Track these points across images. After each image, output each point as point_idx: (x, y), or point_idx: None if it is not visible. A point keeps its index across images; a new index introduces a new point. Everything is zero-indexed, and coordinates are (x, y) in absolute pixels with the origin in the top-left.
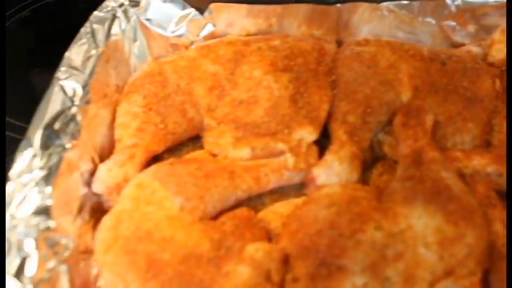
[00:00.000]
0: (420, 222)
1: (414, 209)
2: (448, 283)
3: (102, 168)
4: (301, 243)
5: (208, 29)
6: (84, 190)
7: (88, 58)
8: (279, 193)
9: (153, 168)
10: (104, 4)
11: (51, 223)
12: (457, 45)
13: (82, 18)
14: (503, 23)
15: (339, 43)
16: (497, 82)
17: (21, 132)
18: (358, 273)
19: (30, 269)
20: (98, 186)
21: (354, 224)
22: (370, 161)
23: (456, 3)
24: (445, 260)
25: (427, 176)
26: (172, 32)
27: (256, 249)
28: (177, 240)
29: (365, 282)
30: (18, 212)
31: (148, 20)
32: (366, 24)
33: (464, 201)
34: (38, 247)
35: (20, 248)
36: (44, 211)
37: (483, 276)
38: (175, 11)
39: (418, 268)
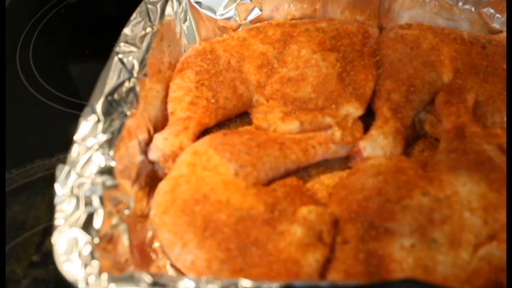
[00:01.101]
0: (465, 189)
1: (459, 176)
2: (491, 247)
3: (159, 137)
4: (350, 208)
5: (256, 13)
6: (141, 158)
7: (144, 35)
8: (325, 166)
9: (208, 137)
10: None
11: (115, 182)
12: (495, 32)
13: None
14: None
15: (381, 29)
16: None
17: (78, 108)
18: (406, 235)
19: (97, 223)
20: (154, 154)
21: (401, 191)
22: (412, 139)
23: None
24: (489, 224)
25: (470, 148)
26: (221, 15)
27: (309, 211)
28: (232, 203)
29: (413, 243)
30: (84, 171)
31: (198, 2)
32: (406, 11)
33: (505, 172)
34: (103, 204)
35: (87, 204)
36: (108, 171)
37: None
38: None
39: (464, 231)
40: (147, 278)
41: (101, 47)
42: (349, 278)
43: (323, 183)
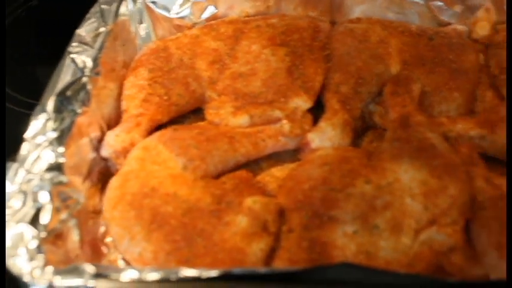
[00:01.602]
0: (407, 176)
1: (401, 164)
2: (432, 231)
3: (110, 134)
4: (296, 197)
5: (210, 11)
6: (92, 155)
7: (97, 35)
8: (275, 159)
9: (158, 133)
10: None
11: (64, 178)
12: (444, 24)
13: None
14: (486, 2)
15: (333, 24)
16: (481, 56)
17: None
18: (348, 222)
19: (44, 218)
20: (105, 151)
21: (345, 179)
22: (361, 130)
23: None
24: (429, 209)
25: (414, 136)
26: (176, 14)
27: (254, 201)
28: (180, 196)
29: (355, 230)
30: (33, 168)
31: (153, 2)
32: (358, 6)
33: (447, 158)
34: (51, 199)
35: (35, 200)
36: (57, 167)
37: (465, 225)
38: None
39: (405, 217)
40: (90, 269)
41: (59, 48)
42: (292, 265)
43: (273, 175)
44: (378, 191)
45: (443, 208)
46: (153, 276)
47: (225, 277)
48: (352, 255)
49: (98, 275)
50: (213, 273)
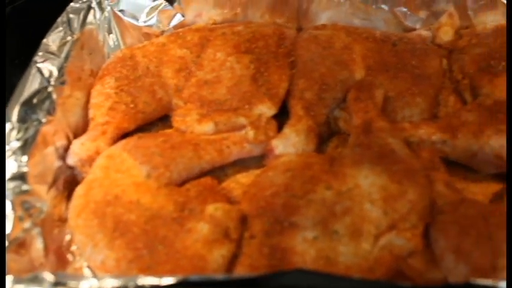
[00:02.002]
0: (366, 182)
1: (361, 170)
2: (391, 236)
3: (76, 142)
4: (258, 204)
5: (178, 18)
6: (58, 163)
7: (64, 44)
8: (241, 165)
9: (123, 141)
10: None
11: (27, 187)
12: (409, 30)
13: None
14: (450, 8)
15: (300, 30)
16: (444, 61)
17: None
18: (309, 228)
19: (6, 228)
20: (71, 159)
21: (306, 186)
22: (327, 136)
23: None
24: (389, 214)
25: (375, 142)
26: (144, 22)
27: (215, 209)
28: (143, 203)
29: (315, 235)
30: None
31: (121, 11)
32: (324, 12)
33: (408, 163)
34: (14, 208)
35: None
36: (20, 177)
37: (424, 229)
38: (147, 2)
39: (364, 222)
40: (50, 278)
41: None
42: (253, 271)
43: (239, 181)
44: (338, 196)
45: (402, 213)
46: (111, 284)
47: (182, 284)
48: (312, 260)
49: (57, 284)
50: (171, 280)
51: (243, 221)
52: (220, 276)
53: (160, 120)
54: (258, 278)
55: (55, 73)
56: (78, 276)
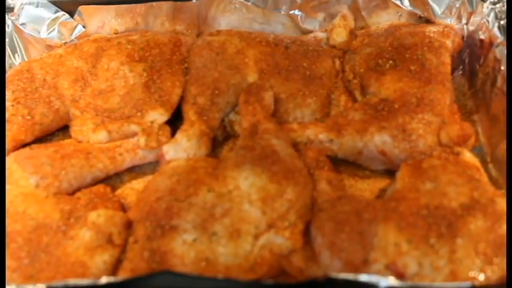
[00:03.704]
0: (246, 183)
1: (242, 171)
2: (270, 235)
3: None
4: (143, 209)
5: (80, 29)
6: None
7: None
8: (137, 172)
9: (15, 152)
10: None
11: None
12: (306, 33)
13: None
14: (343, 9)
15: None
16: (337, 62)
17: None
18: (188, 231)
19: None
20: None
21: (189, 189)
22: (223, 139)
23: None
24: (267, 214)
25: (258, 144)
26: (47, 35)
27: (98, 215)
28: (28, 213)
29: (194, 238)
30: None
31: (22, 24)
32: (221, 17)
33: (288, 163)
34: None
35: None
36: None
37: (305, 227)
38: (47, 14)
39: (243, 223)
40: None
41: None
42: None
43: (133, 188)
44: (219, 198)
45: (281, 212)
46: None
47: None
48: (192, 262)
49: None
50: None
51: (129, 226)
52: (85, 281)
53: (61, 131)
54: (126, 281)
55: None
56: None
